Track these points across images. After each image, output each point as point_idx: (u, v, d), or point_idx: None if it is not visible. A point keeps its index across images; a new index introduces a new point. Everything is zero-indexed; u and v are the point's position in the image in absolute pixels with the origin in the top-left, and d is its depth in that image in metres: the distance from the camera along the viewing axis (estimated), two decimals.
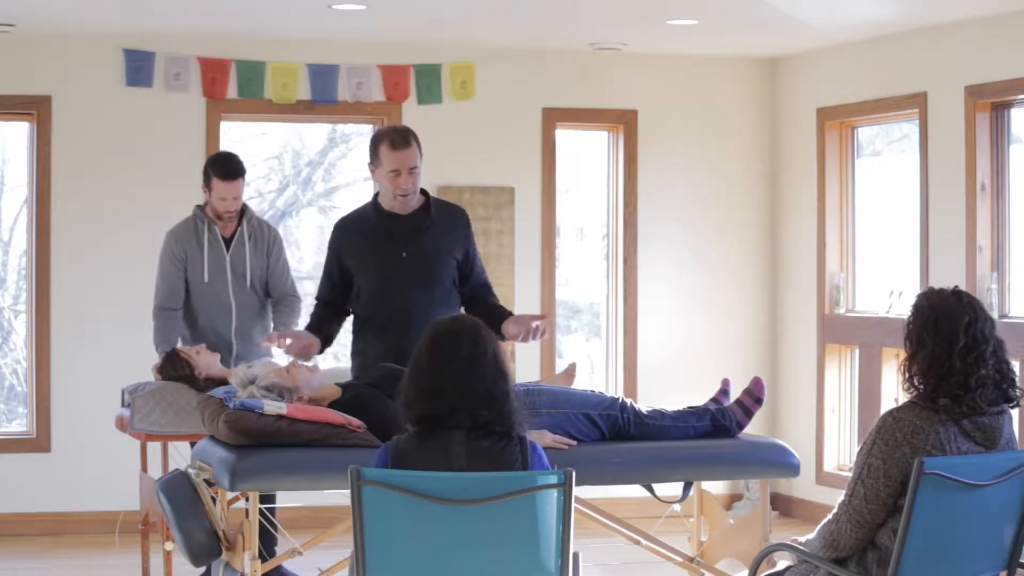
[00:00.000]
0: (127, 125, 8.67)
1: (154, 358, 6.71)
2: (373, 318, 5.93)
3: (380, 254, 5.90)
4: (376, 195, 6.03)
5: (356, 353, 6.04)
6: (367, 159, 5.96)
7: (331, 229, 6.15)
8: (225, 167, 6.79)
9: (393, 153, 5.83)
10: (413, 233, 5.91)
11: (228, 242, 6.87)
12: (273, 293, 6.96)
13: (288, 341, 5.94)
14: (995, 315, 7.58)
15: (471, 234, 6.10)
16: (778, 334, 9.49)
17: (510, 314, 5.99)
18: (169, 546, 6.21)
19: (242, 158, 6.94)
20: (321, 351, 6.06)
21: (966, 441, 4.15)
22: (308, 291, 7.88)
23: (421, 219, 5.94)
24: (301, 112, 8.88)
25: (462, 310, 6.02)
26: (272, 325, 6.96)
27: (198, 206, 6.98)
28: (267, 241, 6.93)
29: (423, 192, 6.00)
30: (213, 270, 6.84)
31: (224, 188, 6.77)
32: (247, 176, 6.97)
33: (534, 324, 5.86)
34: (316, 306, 6.13)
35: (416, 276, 5.88)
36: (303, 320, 6.64)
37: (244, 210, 6.92)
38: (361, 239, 5.96)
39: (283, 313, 6.95)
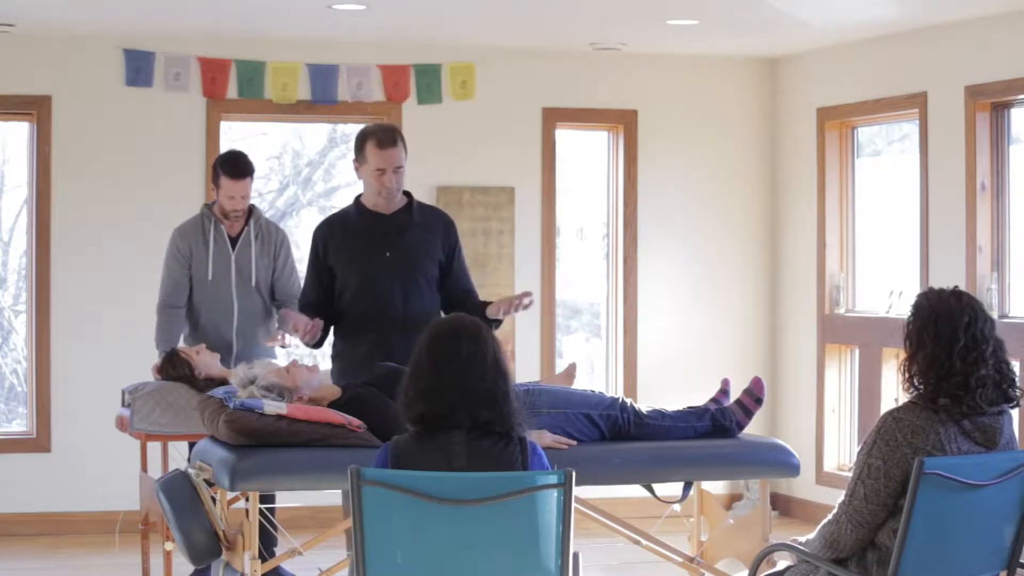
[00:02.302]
0: (127, 125, 8.66)
1: (154, 357, 6.70)
2: (356, 318, 5.91)
3: (363, 253, 5.88)
4: (358, 196, 6.03)
5: (338, 355, 6.01)
6: (352, 156, 5.94)
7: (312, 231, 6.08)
8: (234, 166, 6.78)
9: (380, 152, 5.82)
10: (396, 232, 5.90)
11: (234, 241, 6.86)
12: (279, 296, 6.92)
13: (292, 323, 5.84)
14: (995, 315, 7.58)
15: (456, 238, 6.04)
16: (778, 334, 9.49)
17: (490, 302, 5.94)
18: (169, 546, 6.21)
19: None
20: (320, 342, 5.96)
21: (966, 441, 4.15)
22: None
23: (404, 219, 5.94)
24: (301, 112, 8.88)
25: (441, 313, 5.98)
26: (275, 328, 6.95)
27: (206, 204, 6.98)
28: (274, 243, 6.91)
29: (406, 193, 5.99)
30: (217, 269, 6.82)
31: (232, 187, 6.76)
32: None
33: (517, 299, 5.80)
34: (303, 310, 6.00)
35: (398, 275, 5.86)
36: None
37: (252, 210, 6.90)
38: (344, 239, 5.93)
39: None
